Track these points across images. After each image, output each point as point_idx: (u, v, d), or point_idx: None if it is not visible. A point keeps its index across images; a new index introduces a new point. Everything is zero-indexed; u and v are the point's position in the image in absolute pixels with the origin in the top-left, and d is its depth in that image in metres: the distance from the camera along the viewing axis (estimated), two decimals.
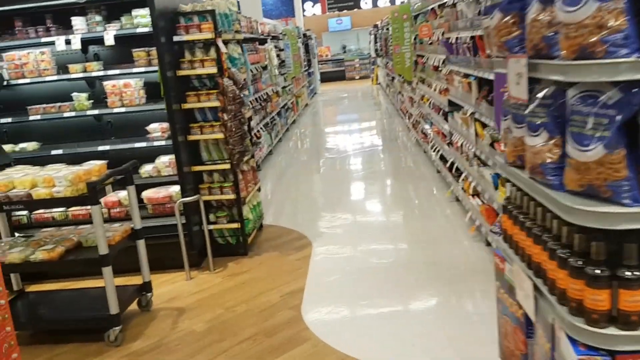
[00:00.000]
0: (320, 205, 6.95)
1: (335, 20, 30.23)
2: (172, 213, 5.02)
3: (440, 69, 6.93)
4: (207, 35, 4.94)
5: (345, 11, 28.67)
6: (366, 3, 29.29)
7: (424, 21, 8.16)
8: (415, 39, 9.31)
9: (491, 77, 4.18)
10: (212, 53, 5.07)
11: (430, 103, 7.81)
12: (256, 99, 9.55)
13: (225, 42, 5.34)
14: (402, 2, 11.78)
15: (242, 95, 5.38)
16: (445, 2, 5.79)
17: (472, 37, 4.77)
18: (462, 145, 5.53)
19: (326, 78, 26.96)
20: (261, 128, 9.76)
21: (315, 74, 23.19)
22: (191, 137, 5.12)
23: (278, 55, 12.71)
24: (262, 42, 10.80)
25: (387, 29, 14.97)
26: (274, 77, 11.22)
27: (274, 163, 9.91)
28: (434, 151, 7.63)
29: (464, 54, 5.19)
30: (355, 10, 28.66)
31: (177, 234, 4.85)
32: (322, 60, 27.42)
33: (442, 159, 7.07)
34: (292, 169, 9.40)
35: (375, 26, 21.29)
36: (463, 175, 5.61)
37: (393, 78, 15.08)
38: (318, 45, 26.61)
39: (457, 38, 5.51)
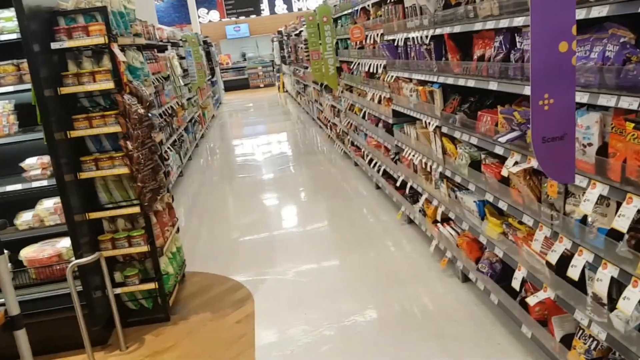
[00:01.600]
0: (253, 241, 5.87)
1: (233, 27, 29.01)
2: (64, 277, 3.74)
3: (377, 75, 6.13)
4: (98, 39, 3.72)
5: (243, 18, 27.54)
6: (263, 10, 28.40)
7: (350, 23, 7.35)
8: (337, 43, 8.49)
9: (470, 83, 3.39)
10: (106, 63, 3.86)
11: (364, 113, 7.01)
12: (160, 114, 8.24)
13: (123, 49, 4.13)
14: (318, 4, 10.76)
15: (149, 116, 4.19)
16: None
17: (436, 37, 3.98)
18: (421, 162, 4.73)
19: (230, 87, 25.66)
20: (169, 148, 8.45)
21: (219, 83, 21.86)
22: (84, 175, 3.86)
23: (180, 64, 11.39)
24: (162, 49, 9.48)
25: (298, 34, 14.12)
26: (179, 89, 9.92)
27: (186, 187, 8.63)
28: (372, 166, 6.83)
29: (420, 57, 4.39)
30: (253, 17, 27.64)
31: (73, 305, 3.59)
32: (223, 69, 26.08)
33: (386, 174, 6.27)
34: (208, 193, 8.19)
35: (279, 32, 20.42)
36: (423, 198, 4.81)
37: (305, 86, 14.25)
38: (218, 54, 25.26)
39: (406, 40, 4.71)
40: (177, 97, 9.71)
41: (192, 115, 11.68)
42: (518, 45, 2.85)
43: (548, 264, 2.64)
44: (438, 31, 3.86)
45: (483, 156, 3.54)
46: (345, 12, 7.53)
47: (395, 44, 5.01)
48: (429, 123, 4.31)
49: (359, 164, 7.98)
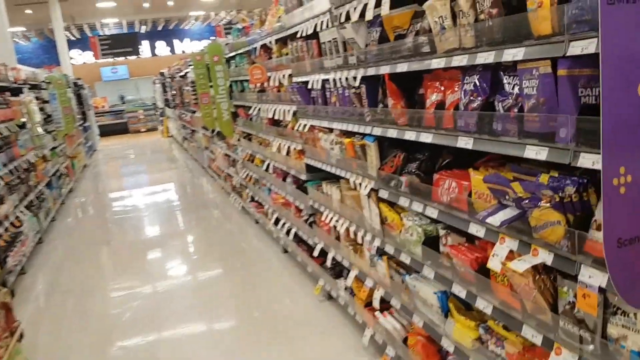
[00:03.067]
0: (134, 344, 4.55)
1: (110, 69, 27.02)
2: None
3: (284, 123, 5.23)
4: None
5: (121, 59, 25.69)
6: (142, 52, 26.79)
7: (247, 62, 6.44)
8: (231, 85, 7.52)
9: (426, 139, 2.58)
10: None
11: (267, 166, 6.04)
12: (10, 171, 6.64)
13: None
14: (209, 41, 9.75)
15: None
16: (298, 33, 4.14)
17: (369, 79, 3.15)
18: (348, 231, 3.83)
19: (106, 132, 23.46)
20: (21, 211, 6.81)
21: (93, 128, 19.77)
22: None
23: (42, 109, 9.72)
24: (16, 92, 7.88)
25: (183, 76, 12.96)
26: (38, 138, 8.30)
27: (45, 259, 6.97)
28: (279, 226, 5.83)
29: (345, 103, 3.55)
30: (133, 58, 25.92)
31: None
32: (99, 112, 23.90)
33: (299, 238, 5.30)
34: (73, 266, 6.62)
35: (162, 74, 19.05)
36: (352, 276, 3.89)
37: (193, 131, 13.04)
38: (92, 96, 23.11)
39: (324, 82, 3.87)
40: (35, 148, 8.08)
41: (57, 167, 9.95)
42: (507, 87, 2.07)
43: None
44: (371, 71, 3.04)
45: (443, 232, 2.71)
46: (241, 51, 6.62)
47: (310, 87, 4.15)
48: (360, 184, 3.45)
49: (260, 221, 6.95)
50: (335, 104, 3.71)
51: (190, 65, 10.58)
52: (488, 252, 2.21)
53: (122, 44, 24.83)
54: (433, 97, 2.57)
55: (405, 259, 3.03)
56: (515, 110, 2.00)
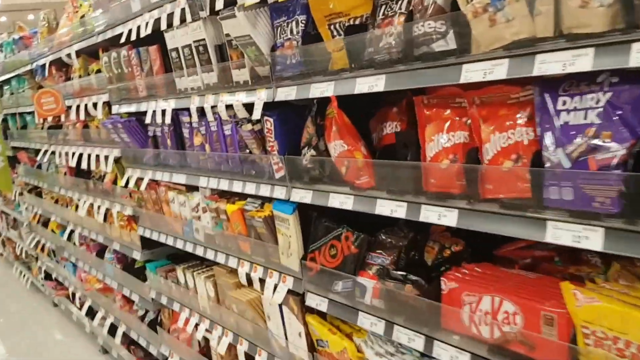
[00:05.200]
0: None
1: None
2: None
3: (97, 174, 3.56)
4: None
5: None
6: None
7: (28, 87, 4.51)
8: (5, 120, 5.39)
9: (428, 213, 1.37)
10: None
11: (71, 234, 4.21)
12: None
13: None
14: None
15: None
16: (122, 36, 2.59)
17: (281, 107, 1.83)
18: (233, 351, 2.39)
19: None
20: None
21: None
22: None
23: None
24: None
25: None
26: None
27: None
28: (95, 320, 4.04)
29: (223, 145, 2.15)
30: None
31: None
32: None
33: (129, 339, 3.61)
34: None
35: None
36: None
37: None
38: None
39: (179, 113, 2.42)
40: None
41: None
42: None
43: None
44: (291, 93, 1.73)
45: None
46: (20, 71, 4.64)
47: (148, 121, 2.63)
48: (262, 279, 2.07)
49: (59, 303, 4.97)
50: (204, 147, 2.28)
51: None
52: None
53: None
54: (442, 139, 1.36)
55: None
56: None
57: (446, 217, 1.31)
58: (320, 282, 1.81)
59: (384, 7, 1.41)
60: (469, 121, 1.30)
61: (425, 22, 1.24)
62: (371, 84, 1.42)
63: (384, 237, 1.69)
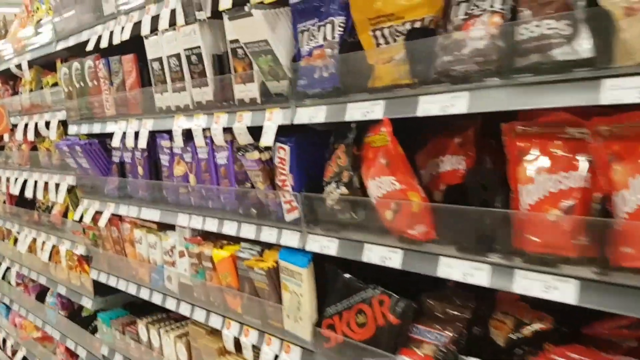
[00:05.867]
0: None
1: None
2: None
3: (44, 204, 3.04)
4: None
5: None
6: None
7: None
8: None
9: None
10: None
11: (6, 271, 3.62)
12: None
13: None
14: None
15: None
16: (89, 44, 2.17)
17: (298, 131, 1.45)
18: None
19: None
20: None
21: None
22: None
23: None
24: None
25: None
26: None
27: None
28: None
29: (213, 178, 1.74)
30: None
31: None
32: None
33: None
34: None
35: None
36: None
37: None
38: None
39: (159, 136, 2.00)
40: None
41: None
42: None
43: None
44: (305, 116, 1.36)
45: None
46: None
47: (116, 145, 2.18)
48: (259, 349, 1.65)
49: None
50: (187, 178, 1.86)
51: None
52: None
53: None
54: (549, 181, 1.01)
55: None
56: None
57: (557, 289, 0.95)
58: (342, 359, 1.40)
59: (464, 4, 1.08)
60: (589, 159, 0.96)
61: (541, 22, 0.91)
62: (445, 103, 1.07)
63: (431, 303, 1.32)
